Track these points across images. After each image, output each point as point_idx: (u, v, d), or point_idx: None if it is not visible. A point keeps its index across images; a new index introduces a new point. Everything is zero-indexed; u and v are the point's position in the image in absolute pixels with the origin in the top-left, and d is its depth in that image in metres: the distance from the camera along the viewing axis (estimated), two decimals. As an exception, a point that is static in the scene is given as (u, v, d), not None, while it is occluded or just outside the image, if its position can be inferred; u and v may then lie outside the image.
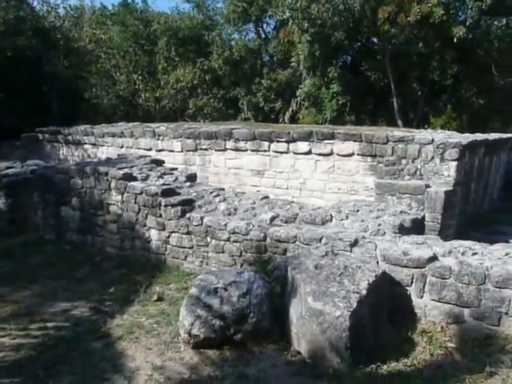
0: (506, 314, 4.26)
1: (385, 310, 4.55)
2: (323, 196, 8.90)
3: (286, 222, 5.81)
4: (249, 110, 22.14)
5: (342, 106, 19.88)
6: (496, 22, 17.29)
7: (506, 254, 4.63)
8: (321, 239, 5.24)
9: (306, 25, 16.97)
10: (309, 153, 9.29)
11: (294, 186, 9.45)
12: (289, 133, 9.39)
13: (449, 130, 21.74)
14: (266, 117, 22.00)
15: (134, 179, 7.15)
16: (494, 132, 16.87)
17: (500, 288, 4.25)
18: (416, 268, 4.62)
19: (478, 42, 18.90)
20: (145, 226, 6.81)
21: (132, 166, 7.80)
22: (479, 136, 9.37)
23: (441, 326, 4.51)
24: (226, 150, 10.56)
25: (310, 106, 20.04)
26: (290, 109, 21.36)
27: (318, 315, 4.03)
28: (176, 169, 8.32)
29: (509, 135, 13.92)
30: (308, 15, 16.82)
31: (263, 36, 24.75)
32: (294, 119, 21.46)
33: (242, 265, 5.78)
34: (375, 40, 21.00)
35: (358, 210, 5.93)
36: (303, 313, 4.16)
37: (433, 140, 7.51)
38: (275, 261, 5.30)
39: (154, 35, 24.08)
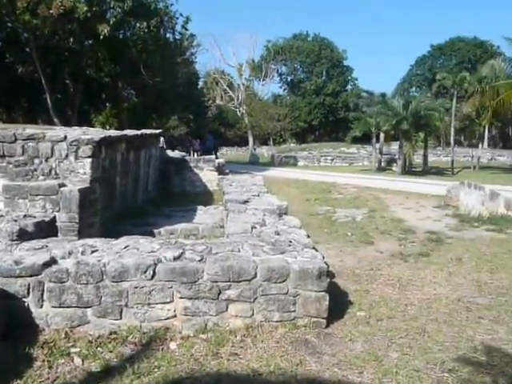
0: (126, 305, 4.33)
1: (-3, 329, 4.03)
2: None
3: None
4: None
5: (-13, 102, 17.77)
6: (138, 24, 18.25)
7: (125, 247, 4.71)
8: None
9: None
10: None
11: None
12: None
13: (110, 127, 22.11)
14: None
15: None
16: (152, 128, 17.95)
17: (117, 282, 4.28)
18: (31, 276, 4.24)
19: (126, 42, 19.68)
20: None
21: None
22: (116, 132, 9.60)
23: (65, 333, 4.27)
24: None
25: None
26: None
27: None
28: None
29: (156, 131, 14.95)
30: None
31: None
32: None
33: None
34: (21, 31, 19.47)
35: (-31, 220, 5.16)
36: None
37: (66, 137, 7.21)
38: None
39: None
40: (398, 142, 28.31)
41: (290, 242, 5.21)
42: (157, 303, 4.34)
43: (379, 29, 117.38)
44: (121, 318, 4.34)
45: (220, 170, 16.23)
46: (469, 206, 10.79)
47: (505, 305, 5.15)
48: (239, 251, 4.69)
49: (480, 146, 34.57)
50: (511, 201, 9.98)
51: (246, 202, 7.85)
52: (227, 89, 43.18)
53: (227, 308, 4.40)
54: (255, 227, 5.87)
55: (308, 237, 5.85)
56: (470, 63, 51.54)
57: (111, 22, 17.21)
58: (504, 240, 8.13)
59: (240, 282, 4.36)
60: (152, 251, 4.56)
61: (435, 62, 58.07)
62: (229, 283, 4.35)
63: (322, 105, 56.55)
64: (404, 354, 4.06)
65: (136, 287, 4.28)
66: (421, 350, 4.12)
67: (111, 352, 4.06)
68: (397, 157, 29.01)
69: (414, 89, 59.51)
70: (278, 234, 5.60)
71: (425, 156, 29.74)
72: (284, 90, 62.61)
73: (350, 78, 60.88)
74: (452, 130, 32.75)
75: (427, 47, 59.81)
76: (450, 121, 32.14)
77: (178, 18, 22.34)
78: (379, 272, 6.37)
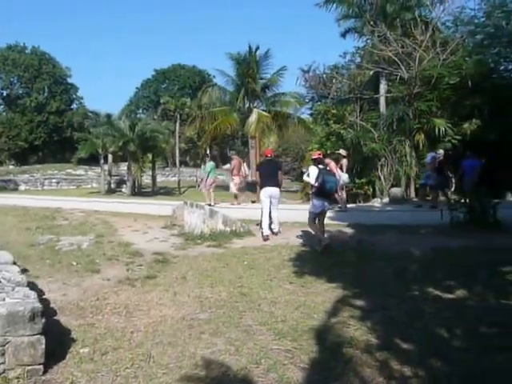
0: None
1: None
2: None
3: None
4: None
5: None
6: None
7: None
8: None
9: None
10: None
11: None
12: None
13: None
14: None
15: None
16: None
17: None
18: None
19: None
20: None
21: None
22: None
23: None
24: None
25: None
26: None
27: None
28: None
29: None
30: None
31: None
32: None
33: None
34: None
35: None
36: None
37: None
38: None
39: None
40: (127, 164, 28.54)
41: (-1, 282, 4.58)
42: None
43: (106, 50, 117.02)
44: None
45: None
46: (192, 224, 11.46)
47: (223, 317, 5.53)
48: None
49: (203, 166, 37.51)
50: (228, 217, 11.01)
51: None
52: None
53: None
54: (-47, 269, 4.97)
55: (24, 272, 5.28)
56: (191, 89, 55.64)
57: None
58: (222, 254, 8.85)
59: None
60: None
61: (160, 85, 60.83)
62: None
63: (45, 123, 52.94)
64: (129, 385, 3.96)
65: None
66: (146, 377, 4.08)
67: None
68: (126, 178, 29.16)
69: (141, 111, 61.13)
70: (-16, 274, 4.86)
71: (153, 177, 30.71)
72: (-1, 105, 56.47)
73: (75, 96, 58.79)
74: (177, 151, 34.75)
75: (152, 71, 62.34)
76: (175, 143, 34.03)
77: None
78: (105, 301, 6.13)
